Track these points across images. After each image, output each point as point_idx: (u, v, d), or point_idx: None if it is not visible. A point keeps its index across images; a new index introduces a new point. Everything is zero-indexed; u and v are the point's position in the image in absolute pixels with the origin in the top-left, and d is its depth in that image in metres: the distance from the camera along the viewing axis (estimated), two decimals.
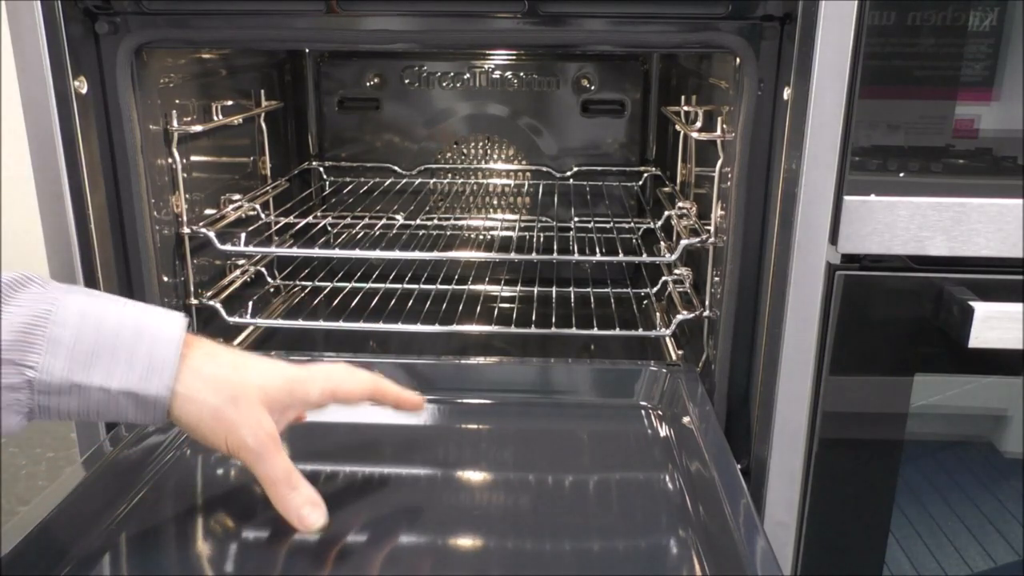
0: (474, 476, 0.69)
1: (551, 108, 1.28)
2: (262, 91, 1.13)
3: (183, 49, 0.90)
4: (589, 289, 1.18)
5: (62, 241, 0.76)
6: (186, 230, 0.90)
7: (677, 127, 1.06)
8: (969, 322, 0.64)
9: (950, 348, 0.68)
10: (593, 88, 1.27)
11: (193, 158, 0.93)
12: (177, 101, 0.89)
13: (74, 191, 0.75)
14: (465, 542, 0.61)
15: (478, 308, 1.09)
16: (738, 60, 0.74)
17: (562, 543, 0.60)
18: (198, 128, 0.92)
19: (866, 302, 0.68)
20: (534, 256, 1.06)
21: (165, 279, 0.86)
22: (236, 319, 0.97)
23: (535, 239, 1.12)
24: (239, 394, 0.55)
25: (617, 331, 1.00)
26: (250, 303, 1.03)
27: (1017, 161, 0.66)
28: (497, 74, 1.27)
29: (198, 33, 0.77)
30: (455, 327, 0.97)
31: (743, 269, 0.77)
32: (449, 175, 1.33)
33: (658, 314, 1.06)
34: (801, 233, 0.68)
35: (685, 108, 1.05)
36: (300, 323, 1.01)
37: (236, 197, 1.02)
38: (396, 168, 1.32)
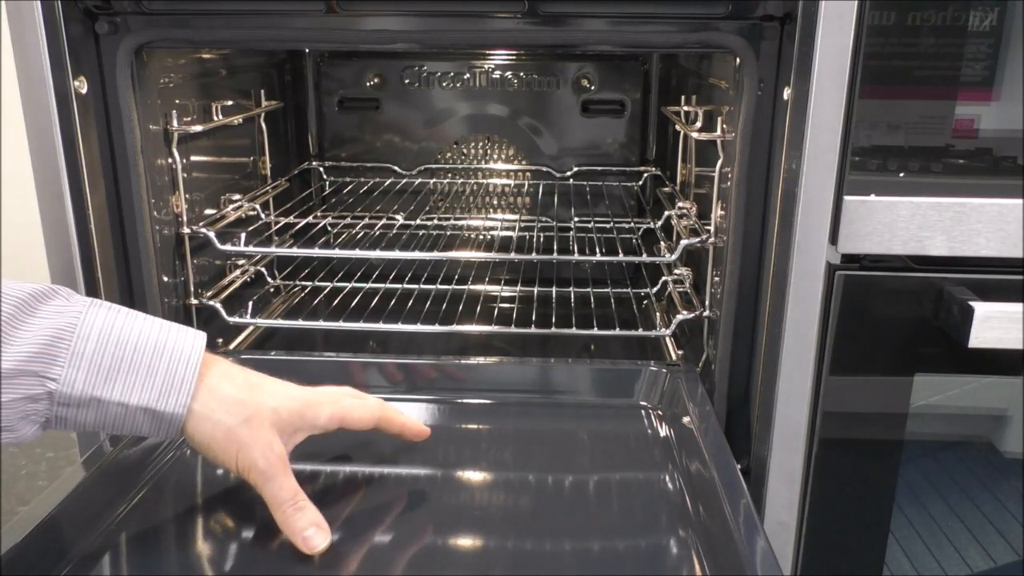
0: (474, 476, 0.69)
1: (551, 108, 1.28)
2: (262, 91, 1.13)
3: (183, 49, 0.90)
4: (589, 289, 1.18)
5: (62, 241, 0.76)
6: (186, 230, 0.90)
7: (677, 127, 1.06)
8: (969, 322, 0.64)
9: (950, 348, 0.68)
10: (593, 88, 1.27)
11: (193, 158, 0.93)
12: (177, 101, 0.89)
13: (74, 191, 0.75)
14: (465, 542, 0.61)
15: (478, 308, 1.09)
16: (738, 60, 0.74)
17: (562, 543, 0.60)
18: (198, 128, 0.92)
19: (866, 302, 0.68)
20: (534, 256, 1.06)
21: (165, 279, 0.86)
22: (236, 319, 0.97)
23: (535, 239, 1.12)
24: (252, 415, 0.56)
25: (617, 331, 1.00)
26: (250, 303, 1.03)
27: (1017, 161, 0.66)
28: (497, 74, 1.27)
29: (198, 33, 0.77)
30: (455, 327, 0.97)
31: (743, 269, 0.77)
32: (449, 175, 1.33)
33: (658, 314, 1.06)
34: (801, 233, 0.68)
35: (685, 108, 1.05)
36: (300, 323, 1.01)
37: (236, 197, 1.02)
38: (396, 168, 1.32)
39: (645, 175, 1.29)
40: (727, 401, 0.81)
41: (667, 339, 1.00)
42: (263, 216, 1.04)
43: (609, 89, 1.27)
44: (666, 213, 1.05)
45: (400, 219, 1.12)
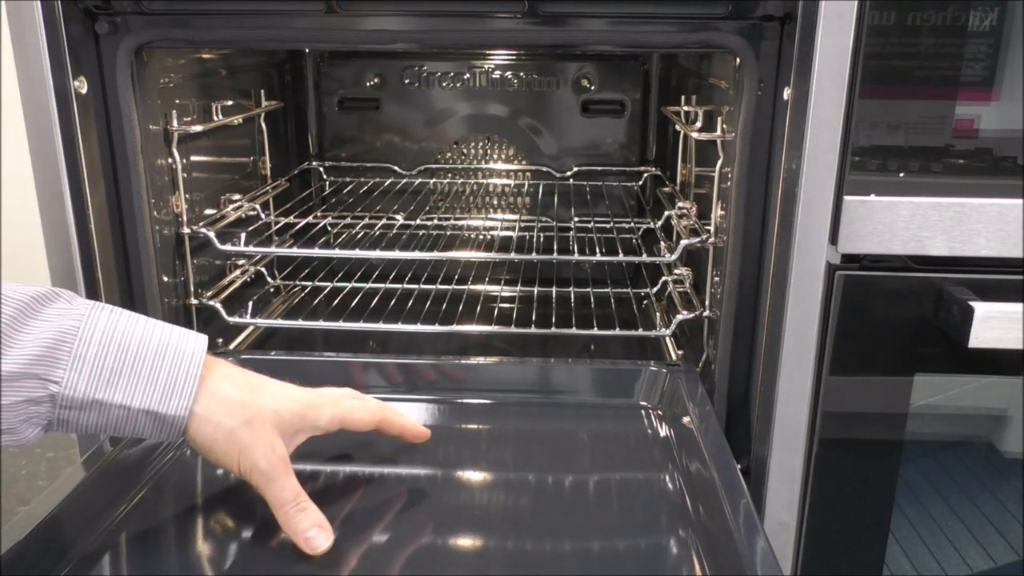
0: (474, 476, 0.69)
1: (551, 108, 1.28)
2: (262, 91, 1.13)
3: (183, 49, 0.90)
4: (589, 289, 1.18)
5: (62, 241, 0.76)
6: (186, 230, 0.90)
7: (677, 127, 1.06)
8: (969, 322, 0.64)
9: (950, 348, 0.68)
10: (593, 88, 1.27)
11: (193, 158, 0.93)
12: (177, 101, 0.89)
13: (74, 191, 0.75)
14: (465, 542, 0.61)
15: (478, 308, 1.09)
16: (738, 60, 0.74)
17: (562, 543, 0.60)
18: (198, 128, 0.92)
19: (866, 302, 0.68)
20: (534, 256, 1.06)
21: (165, 279, 0.86)
22: (236, 319, 0.97)
23: (535, 239, 1.12)
24: (254, 417, 0.57)
25: (617, 331, 1.00)
26: (250, 303, 1.03)
27: (1017, 161, 0.66)
28: (497, 74, 1.27)
29: (198, 33, 0.77)
30: (455, 327, 0.97)
31: (743, 269, 0.77)
32: (449, 175, 1.33)
33: (658, 314, 1.06)
34: (801, 233, 0.68)
35: (685, 108, 1.05)
36: (300, 323, 1.01)
37: (236, 197, 1.02)
38: (396, 168, 1.32)
39: (645, 175, 1.29)
40: (727, 401, 0.81)
41: (667, 339, 1.00)
42: (263, 216, 1.04)
43: (609, 89, 1.27)
44: (666, 213, 1.05)
45: (400, 219, 1.12)
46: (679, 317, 0.91)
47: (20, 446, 0.53)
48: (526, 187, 1.31)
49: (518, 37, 0.78)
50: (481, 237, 1.26)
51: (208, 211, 0.97)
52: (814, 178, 0.66)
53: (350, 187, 1.29)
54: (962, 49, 0.63)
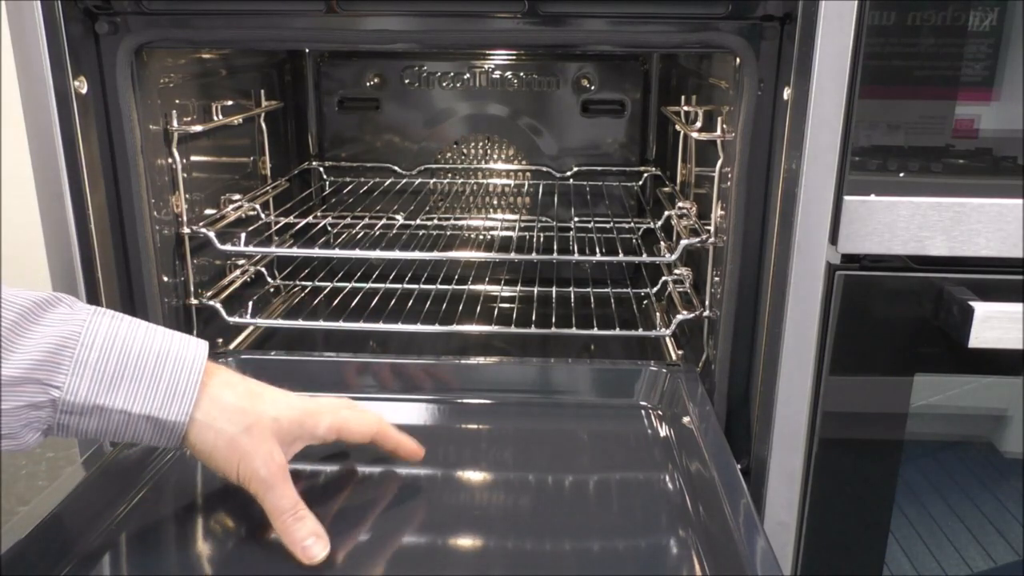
0: (474, 476, 0.69)
1: (551, 108, 1.28)
2: (262, 91, 1.13)
3: (183, 49, 0.90)
4: (589, 289, 1.18)
5: (62, 241, 0.76)
6: (186, 230, 0.90)
7: (677, 127, 1.06)
8: (969, 322, 0.64)
9: (950, 348, 0.68)
10: (593, 88, 1.27)
11: (193, 158, 0.93)
12: (177, 101, 0.89)
13: (74, 191, 0.75)
14: (465, 542, 0.61)
15: (478, 308, 1.09)
16: (738, 60, 0.74)
17: (562, 543, 0.60)
18: (198, 128, 0.92)
19: (866, 302, 0.68)
20: (534, 256, 1.06)
21: (165, 279, 0.86)
22: (236, 319, 0.97)
23: (535, 239, 1.12)
24: (254, 424, 0.57)
25: (617, 331, 1.00)
26: (250, 303, 1.03)
27: (1017, 161, 0.66)
28: (497, 74, 1.27)
29: (198, 33, 0.77)
30: (455, 327, 0.97)
31: (743, 269, 0.77)
32: (449, 175, 1.33)
33: (658, 314, 1.06)
34: (801, 233, 0.68)
35: (685, 108, 1.05)
36: (300, 323, 1.01)
37: (236, 197, 1.02)
38: (396, 168, 1.32)
39: (645, 175, 1.29)
40: (727, 401, 0.81)
41: (667, 339, 1.00)
42: (263, 216, 1.04)
43: (609, 89, 1.27)
44: (666, 213, 1.05)
45: (400, 219, 1.12)
46: (679, 317, 0.91)
47: (20, 450, 0.53)
48: (526, 187, 1.31)
49: (518, 37, 0.78)
50: (481, 237, 1.26)
51: (208, 211, 0.97)
52: (814, 178, 0.66)
53: (350, 187, 1.29)
54: (962, 49, 0.63)
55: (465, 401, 0.82)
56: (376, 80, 1.28)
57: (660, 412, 0.80)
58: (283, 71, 1.24)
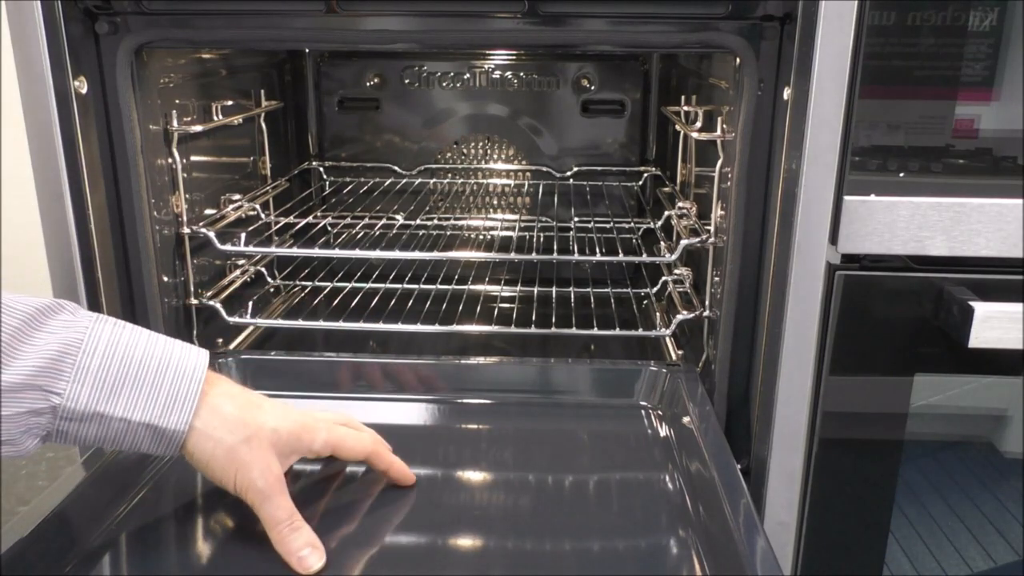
0: (474, 476, 0.69)
1: (551, 108, 1.28)
2: (262, 91, 1.13)
3: (183, 49, 0.90)
4: (589, 289, 1.18)
5: (62, 241, 0.76)
6: (186, 230, 0.90)
7: (677, 127, 1.06)
8: (969, 322, 0.64)
9: (950, 348, 0.68)
10: (593, 88, 1.27)
11: (193, 158, 0.93)
12: (177, 101, 0.89)
13: (74, 191, 0.75)
14: (465, 542, 0.61)
15: (478, 308, 1.09)
16: (738, 60, 0.74)
17: (562, 543, 0.60)
18: (198, 128, 0.92)
19: (866, 302, 0.68)
20: (534, 256, 1.06)
21: (165, 279, 0.86)
22: (236, 319, 0.97)
23: (535, 239, 1.12)
24: (253, 435, 0.57)
25: (617, 331, 1.00)
26: (250, 303, 1.03)
27: (1017, 161, 0.66)
28: (497, 74, 1.27)
29: (198, 33, 0.77)
30: (455, 327, 0.97)
31: (743, 269, 0.77)
32: (449, 175, 1.33)
33: (658, 314, 1.06)
34: (801, 233, 0.68)
35: (685, 108, 1.05)
36: (300, 323, 1.01)
37: (236, 197, 1.02)
38: (396, 168, 1.32)
39: (645, 175, 1.29)
40: (727, 401, 0.81)
41: (667, 339, 1.00)
42: (263, 216, 1.04)
43: (609, 89, 1.27)
44: (666, 213, 1.05)
45: (400, 219, 1.12)
46: (679, 317, 0.91)
47: (18, 457, 0.53)
48: (526, 187, 1.31)
49: (518, 37, 0.78)
50: (481, 237, 1.26)
51: (208, 211, 0.97)
52: (814, 178, 0.66)
53: (350, 187, 1.29)
54: (962, 49, 0.63)
55: (465, 401, 0.82)
56: (376, 80, 1.28)
57: (660, 412, 0.80)
58: (283, 71, 1.24)
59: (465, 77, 1.27)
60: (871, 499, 0.74)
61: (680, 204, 1.02)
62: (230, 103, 1.03)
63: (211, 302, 0.94)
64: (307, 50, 1.26)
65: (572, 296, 1.15)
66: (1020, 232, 0.66)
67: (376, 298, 1.12)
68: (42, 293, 0.76)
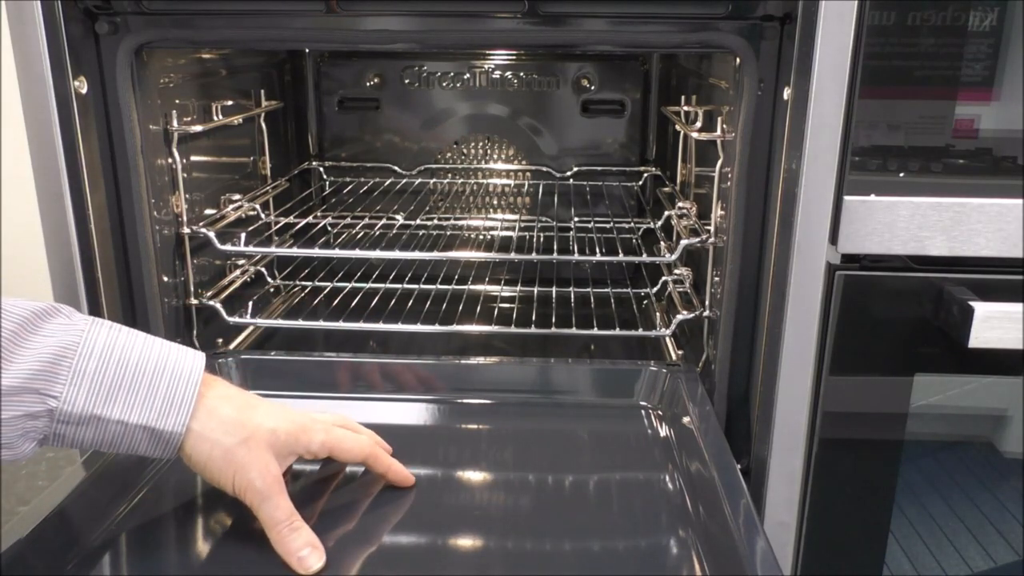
0: (474, 476, 0.69)
1: (551, 108, 1.28)
2: (262, 91, 1.13)
3: (183, 49, 0.90)
4: (589, 289, 1.18)
5: (62, 241, 0.76)
6: (186, 230, 0.90)
7: (677, 127, 1.06)
8: (969, 322, 0.64)
9: (950, 348, 0.68)
10: (593, 88, 1.27)
11: (193, 158, 0.93)
12: (177, 101, 0.89)
13: (74, 191, 0.75)
14: (465, 542, 0.61)
15: (478, 308, 1.09)
16: (738, 60, 0.74)
17: (562, 543, 0.60)
18: (198, 128, 0.92)
19: (866, 302, 0.68)
20: (534, 256, 1.06)
21: (165, 279, 0.86)
22: (236, 319, 0.97)
23: (535, 239, 1.12)
24: (250, 436, 0.57)
25: (617, 331, 1.00)
26: (250, 303, 1.03)
27: (1017, 161, 0.66)
28: (497, 74, 1.27)
29: (198, 33, 0.77)
30: (455, 327, 0.97)
31: (743, 269, 0.77)
32: (449, 175, 1.33)
33: (658, 314, 1.06)
34: (801, 233, 0.68)
35: (685, 108, 1.05)
36: (300, 323, 1.01)
37: (236, 197, 1.02)
38: (396, 168, 1.32)
39: (645, 175, 1.29)
40: (727, 401, 0.81)
41: (667, 339, 1.00)
42: (263, 216, 1.04)
43: (609, 89, 1.27)
44: (666, 213, 1.05)
45: (400, 219, 1.12)
46: (679, 317, 0.91)
47: (15, 460, 0.53)
48: (526, 187, 1.31)
49: (518, 37, 0.78)
50: (481, 237, 1.26)
51: (208, 211, 0.97)
52: (814, 178, 0.66)
53: (350, 187, 1.29)
54: (962, 49, 0.63)
55: (465, 401, 0.82)
56: (376, 80, 1.28)
57: (660, 412, 0.80)
58: (283, 71, 1.24)
59: (465, 77, 1.27)
60: (871, 499, 0.74)
61: (680, 204, 1.02)
62: (230, 103, 1.03)
63: (211, 302, 0.94)
64: (307, 50, 1.26)
65: (572, 296, 1.15)
66: (1020, 232, 0.66)
67: (376, 298, 1.12)
68: (42, 293, 0.76)
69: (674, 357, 0.98)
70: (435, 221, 1.19)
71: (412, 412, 0.80)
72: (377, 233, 1.11)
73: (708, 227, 0.88)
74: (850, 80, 0.64)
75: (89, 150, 0.76)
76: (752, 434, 0.77)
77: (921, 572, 0.76)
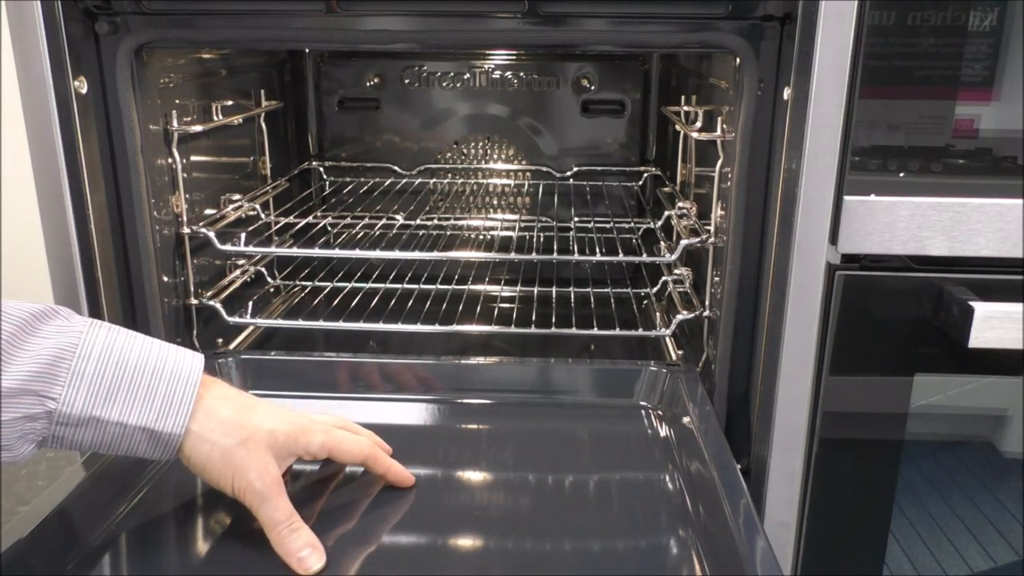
0: (474, 476, 0.69)
1: (551, 108, 1.28)
2: (262, 91, 1.13)
3: (183, 49, 0.90)
4: (589, 289, 1.18)
5: (62, 241, 0.76)
6: (186, 230, 0.90)
7: (677, 127, 1.06)
8: (969, 322, 0.64)
9: (950, 348, 0.68)
10: (593, 88, 1.27)
11: (193, 158, 0.93)
12: (177, 101, 0.89)
13: (74, 191, 0.75)
14: (465, 542, 0.61)
15: (478, 308, 1.09)
16: (738, 60, 0.74)
17: (562, 543, 0.60)
18: (198, 128, 0.92)
19: (866, 302, 0.68)
20: (534, 256, 1.06)
21: (165, 279, 0.86)
22: (236, 319, 0.97)
23: (535, 239, 1.12)
24: (249, 437, 0.57)
25: (617, 331, 1.00)
26: (250, 303, 1.03)
27: (1017, 161, 0.66)
28: (497, 74, 1.27)
29: (198, 33, 0.77)
30: (455, 327, 0.97)
31: (743, 269, 0.77)
32: (449, 175, 1.33)
33: (658, 314, 1.06)
34: (801, 233, 0.68)
35: (685, 108, 1.05)
36: (300, 323, 1.01)
37: (236, 197, 1.02)
38: (396, 168, 1.32)
39: (645, 175, 1.29)
40: (727, 401, 0.81)
41: (667, 339, 1.00)
42: (263, 216, 1.04)
43: (609, 89, 1.27)
44: (666, 213, 1.05)
45: (400, 219, 1.12)
46: (679, 317, 0.91)
47: (13, 462, 0.53)
48: (526, 187, 1.31)
49: (518, 37, 0.78)
50: (481, 237, 1.26)
51: (208, 211, 0.97)
52: (814, 178, 0.66)
53: (350, 187, 1.29)
54: (962, 49, 0.63)
55: (465, 401, 0.82)
56: (376, 80, 1.28)
57: (660, 412, 0.80)
58: (283, 71, 1.24)
59: (465, 77, 1.27)
60: (871, 499, 0.74)
61: (680, 204, 1.02)
62: (230, 103, 1.03)
63: (211, 302, 0.94)
64: (307, 50, 1.26)
65: (572, 296, 1.15)
66: (1020, 232, 0.66)
67: (376, 298, 1.12)
68: (42, 293, 0.76)
69: (674, 357, 0.98)
70: (435, 221, 1.19)
71: (412, 412, 0.80)
72: (377, 233, 1.11)
73: (708, 227, 0.88)
74: (850, 80, 0.64)
75: (89, 150, 0.76)
76: (752, 434, 0.77)
77: (921, 572, 0.76)
